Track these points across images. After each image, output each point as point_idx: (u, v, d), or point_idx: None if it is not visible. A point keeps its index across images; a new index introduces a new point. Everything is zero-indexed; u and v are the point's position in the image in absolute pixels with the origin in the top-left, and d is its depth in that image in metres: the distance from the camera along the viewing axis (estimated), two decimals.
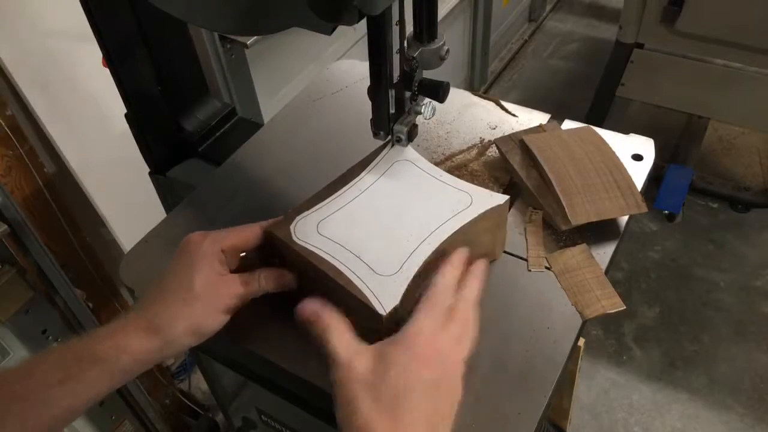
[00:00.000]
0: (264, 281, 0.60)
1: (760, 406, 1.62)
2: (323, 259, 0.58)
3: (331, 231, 0.60)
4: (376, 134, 0.67)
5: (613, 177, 0.70)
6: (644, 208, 0.68)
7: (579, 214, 0.67)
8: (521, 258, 0.68)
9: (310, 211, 0.62)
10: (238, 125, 0.95)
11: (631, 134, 0.80)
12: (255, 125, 0.93)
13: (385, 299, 0.54)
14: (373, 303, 0.54)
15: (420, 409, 0.46)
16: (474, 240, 0.62)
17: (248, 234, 0.61)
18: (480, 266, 0.56)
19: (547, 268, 0.67)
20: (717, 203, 2.11)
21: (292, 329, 0.64)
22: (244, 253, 0.61)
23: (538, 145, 0.74)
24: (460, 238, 0.60)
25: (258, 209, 0.77)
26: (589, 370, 1.70)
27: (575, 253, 0.67)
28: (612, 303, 0.63)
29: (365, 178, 0.66)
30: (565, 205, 0.68)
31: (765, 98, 1.67)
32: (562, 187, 0.69)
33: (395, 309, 0.54)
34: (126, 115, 0.86)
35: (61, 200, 1.22)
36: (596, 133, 0.75)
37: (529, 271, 0.67)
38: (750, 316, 1.81)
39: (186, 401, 1.59)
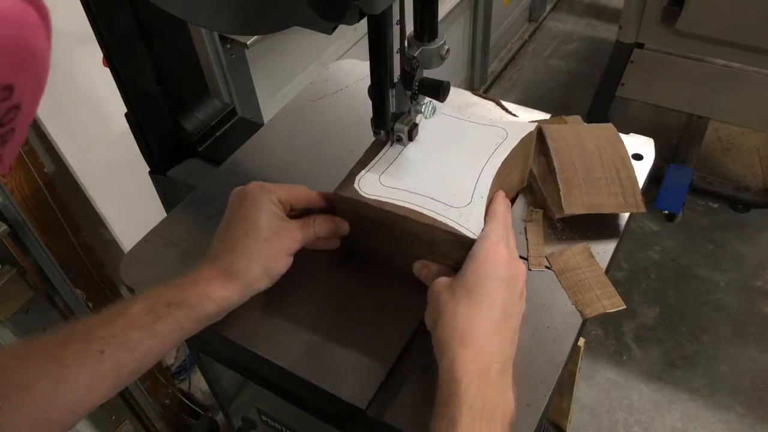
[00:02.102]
0: (318, 226, 0.64)
1: (760, 406, 1.62)
2: (399, 206, 0.61)
3: (393, 182, 0.64)
4: (376, 133, 0.67)
5: (618, 174, 0.70)
6: (642, 209, 0.68)
7: (573, 204, 0.68)
8: (521, 257, 0.68)
9: (364, 171, 0.65)
10: (238, 125, 0.95)
11: (631, 134, 0.80)
12: (255, 125, 0.93)
13: (471, 225, 0.59)
14: (463, 231, 0.59)
15: (495, 296, 0.54)
16: (513, 167, 0.69)
17: (300, 192, 0.65)
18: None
19: (547, 267, 0.67)
20: (717, 203, 2.11)
21: (292, 329, 0.64)
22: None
23: (552, 133, 0.74)
24: (505, 165, 0.66)
25: None
26: (589, 370, 1.70)
27: (575, 253, 0.67)
28: (612, 302, 0.63)
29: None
30: (562, 194, 0.69)
31: (765, 98, 1.67)
32: (564, 176, 0.70)
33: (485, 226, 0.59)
34: (126, 115, 0.86)
35: (61, 200, 1.22)
36: (614, 131, 0.75)
37: (529, 270, 0.67)
38: (750, 316, 1.81)
39: (186, 401, 1.59)
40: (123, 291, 1.42)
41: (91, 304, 1.20)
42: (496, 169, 0.65)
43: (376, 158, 0.67)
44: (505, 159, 0.66)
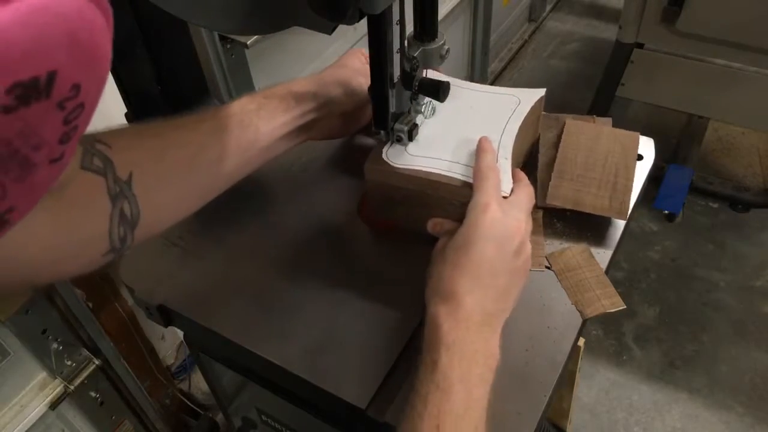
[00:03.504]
0: None
1: (760, 406, 1.61)
2: (430, 171, 0.64)
3: (420, 151, 0.67)
4: (376, 133, 0.67)
5: (615, 179, 0.70)
6: (624, 217, 0.68)
7: (557, 197, 0.69)
8: None
9: (388, 145, 0.68)
10: None
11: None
12: None
13: (503, 184, 0.62)
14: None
15: (481, 256, 0.56)
16: (525, 132, 0.72)
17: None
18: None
19: (547, 267, 0.67)
20: (717, 203, 2.11)
21: (292, 329, 0.64)
22: None
23: (571, 128, 0.75)
24: (521, 130, 0.69)
25: (258, 209, 0.77)
26: (589, 370, 1.70)
27: (575, 253, 0.67)
28: (612, 302, 0.63)
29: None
30: (550, 185, 0.70)
31: (765, 98, 1.67)
32: (560, 168, 0.71)
33: (512, 190, 0.62)
34: (126, 115, 0.86)
35: None
36: (636, 140, 0.75)
37: (530, 270, 0.66)
38: (750, 316, 1.81)
39: (186, 401, 1.59)
40: (123, 291, 1.42)
41: (91, 304, 1.20)
42: (515, 132, 0.67)
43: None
44: (522, 123, 0.69)
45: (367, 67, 0.71)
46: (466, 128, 0.68)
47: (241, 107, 0.63)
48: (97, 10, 0.25)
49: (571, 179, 0.70)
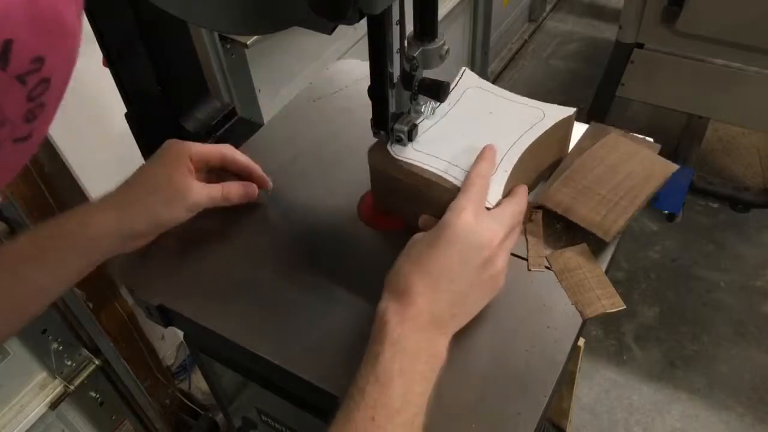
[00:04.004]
0: (226, 189, 0.69)
1: (760, 406, 1.61)
2: (424, 169, 0.64)
3: (423, 147, 0.66)
4: (376, 133, 0.67)
5: (619, 200, 0.69)
6: (608, 238, 0.66)
7: (551, 200, 0.69)
8: (521, 258, 0.68)
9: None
10: (238, 125, 0.95)
11: (631, 134, 0.80)
12: (255, 125, 0.92)
13: (490, 195, 0.61)
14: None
15: (441, 260, 0.55)
16: (546, 149, 0.71)
17: (214, 149, 0.70)
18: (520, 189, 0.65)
19: (547, 267, 0.67)
20: (717, 203, 2.11)
21: (292, 329, 0.64)
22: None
23: (608, 141, 0.74)
24: (539, 145, 0.68)
25: (258, 209, 0.77)
26: (589, 370, 1.70)
27: (575, 253, 0.67)
28: (612, 302, 0.63)
29: (442, 106, 0.71)
30: (551, 187, 0.70)
31: (765, 98, 1.67)
32: (569, 175, 0.71)
33: (498, 204, 0.61)
34: (126, 115, 0.86)
35: (60, 200, 1.22)
36: (667, 171, 0.73)
37: (530, 270, 0.67)
38: (750, 316, 1.81)
39: (186, 401, 1.59)
40: (123, 291, 1.42)
41: (91, 304, 1.20)
42: (526, 146, 0.66)
43: None
44: (538, 138, 0.67)
45: (189, 178, 0.66)
46: (479, 133, 0.68)
47: (17, 253, 0.56)
48: None
49: (574, 187, 0.70)
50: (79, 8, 0.26)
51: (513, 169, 0.65)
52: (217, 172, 0.73)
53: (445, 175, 0.63)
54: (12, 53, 0.23)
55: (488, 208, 0.60)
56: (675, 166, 0.73)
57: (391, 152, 0.66)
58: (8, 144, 0.26)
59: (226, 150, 0.71)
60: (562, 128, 0.72)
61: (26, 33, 0.23)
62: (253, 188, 0.72)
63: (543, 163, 0.73)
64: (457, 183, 0.62)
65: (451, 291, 0.55)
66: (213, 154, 0.70)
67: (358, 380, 0.51)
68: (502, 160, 0.65)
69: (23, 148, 0.27)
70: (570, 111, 0.71)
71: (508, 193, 0.65)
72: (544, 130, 0.68)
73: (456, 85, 0.74)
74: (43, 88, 0.26)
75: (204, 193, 0.67)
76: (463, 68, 0.76)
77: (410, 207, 0.67)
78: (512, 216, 0.61)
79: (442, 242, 0.56)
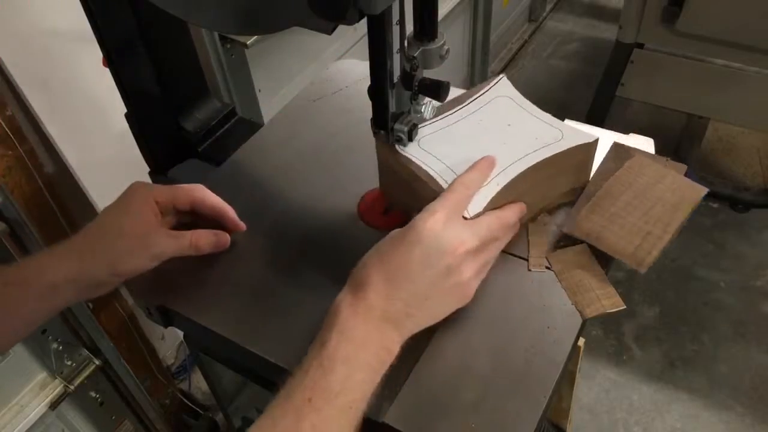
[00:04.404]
0: (195, 238, 0.65)
1: (760, 406, 1.61)
2: (421, 168, 0.64)
3: (430, 146, 0.66)
4: (376, 133, 0.67)
5: (651, 228, 0.65)
6: (644, 268, 0.63)
7: (581, 229, 0.67)
8: (522, 258, 0.68)
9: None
10: (238, 125, 0.95)
11: (631, 134, 0.80)
12: (255, 125, 0.93)
13: (471, 205, 0.60)
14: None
15: (401, 259, 0.55)
16: (559, 173, 0.68)
17: (182, 192, 0.67)
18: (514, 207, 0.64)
19: (547, 267, 0.67)
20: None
21: (292, 329, 0.64)
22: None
23: (633, 165, 0.71)
24: (549, 167, 0.65)
25: (258, 209, 0.77)
26: (589, 370, 1.70)
27: (575, 253, 0.67)
28: (612, 302, 0.63)
29: (468, 107, 0.71)
30: (579, 215, 0.67)
31: (765, 98, 1.67)
32: (597, 201, 0.68)
33: (477, 215, 0.60)
34: (126, 115, 0.86)
35: (61, 200, 1.22)
36: (697, 197, 0.68)
37: (530, 270, 0.66)
38: (750, 316, 1.81)
39: (186, 401, 1.59)
40: (123, 291, 1.42)
41: (91, 304, 1.20)
42: (530, 165, 0.64)
43: (430, 121, 0.69)
44: (547, 159, 0.65)
45: (153, 226, 0.63)
46: (488, 143, 0.66)
47: None
48: None
49: (602, 215, 0.67)
50: None
51: (508, 185, 0.62)
52: (190, 214, 0.70)
53: (437, 178, 0.63)
54: None
55: (465, 218, 0.59)
56: (704, 189, 0.68)
57: (397, 146, 0.66)
58: None
59: (197, 192, 0.68)
60: (580, 154, 0.68)
61: None
62: (225, 237, 0.69)
63: (556, 189, 0.70)
64: (445, 187, 0.62)
65: (408, 290, 0.55)
66: (181, 197, 0.67)
67: (303, 362, 0.52)
68: (499, 174, 0.63)
69: None
70: (591, 138, 0.67)
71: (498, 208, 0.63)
72: (556, 152, 0.65)
73: (488, 90, 0.73)
74: None
75: (170, 243, 0.64)
76: (501, 75, 0.75)
77: (405, 200, 0.68)
78: (488, 228, 0.59)
79: (405, 241, 0.56)
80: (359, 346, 0.52)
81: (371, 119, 0.66)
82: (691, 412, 1.62)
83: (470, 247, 0.57)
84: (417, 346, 0.61)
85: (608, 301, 0.63)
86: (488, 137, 0.68)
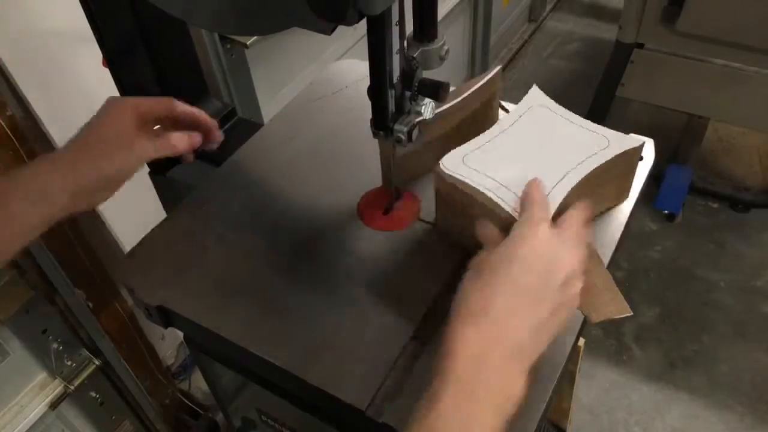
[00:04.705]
0: (173, 138, 0.69)
1: (760, 406, 1.62)
2: (470, 185, 0.61)
3: (476, 164, 0.64)
4: (376, 134, 0.67)
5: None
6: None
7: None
8: None
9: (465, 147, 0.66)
10: (238, 125, 0.95)
11: (631, 134, 0.80)
12: (255, 125, 0.93)
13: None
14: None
15: (520, 278, 0.49)
16: (608, 180, 0.66)
17: (160, 102, 0.69)
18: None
19: None
20: (717, 203, 2.11)
21: (292, 329, 0.64)
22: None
23: None
24: (598, 175, 0.63)
25: (258, 209, 0.77)
26: (589, 370, 1.71)
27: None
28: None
29: (506, 120, 0.70)
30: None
31: (765, 98, 1.67)
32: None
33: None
34: None
35: None
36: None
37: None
38: (750, 316, 1.81)
39: (186, 401, 1.59)
40: (123, 291, 1.42)
41: (91, 304, 1.20)
42: (583, 175, 0.62)
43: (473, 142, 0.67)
44: (596, 168, 0.63)
45: (132, 128, 0.66)
46: (535, 156, 0.64)
47: None
48: None
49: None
50: None
51: (564, 200, 0.60)
52: (165, 126, 0.72)
53: (498, 200, 0.59)
54: None
55: None
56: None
57: (442, 166, 0.63)
58: None
59: (170, 101, 0.71)
60: (627, 159, 0.67)
61: None
62: (197, 138, 0.72)
63: (603, 194, 0.68)
64: (503, 204, 0.59)
65: (537, 315, 0.48)
66: (158, 103, 0.70)
67: (411, 426, 0.44)
68: (554, 187, 0.61)
69: None
70: (637, 142, 0.66)
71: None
72: (605, 160, 0.63)
73: (523, 102, 0.72)
74: None
75: (149, 143, 0.67)
76: (498, 67, 0.74)
77: (469, 230, 0.62)
78: (580, 234, 0.55)
79: (519, 258, 0.50)
80: (480, 402, 0.45)
81: (371, 119, 0.66)
82: (691, 412, 1.62)
83: (582, 254, 0.53)
84: (417, 346, 0.61)
85: (615, 307, 0.60)
86: (533, 150, 0.65)
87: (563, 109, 0.71)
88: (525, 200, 0.57)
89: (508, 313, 0.48)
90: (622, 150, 0.65)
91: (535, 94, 0.73)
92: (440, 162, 0.64)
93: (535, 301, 0.49)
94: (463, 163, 0.64)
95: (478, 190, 0.61)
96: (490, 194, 0.60)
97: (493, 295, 0.48)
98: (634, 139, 0.67)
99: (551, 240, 0.51)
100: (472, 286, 0.50)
